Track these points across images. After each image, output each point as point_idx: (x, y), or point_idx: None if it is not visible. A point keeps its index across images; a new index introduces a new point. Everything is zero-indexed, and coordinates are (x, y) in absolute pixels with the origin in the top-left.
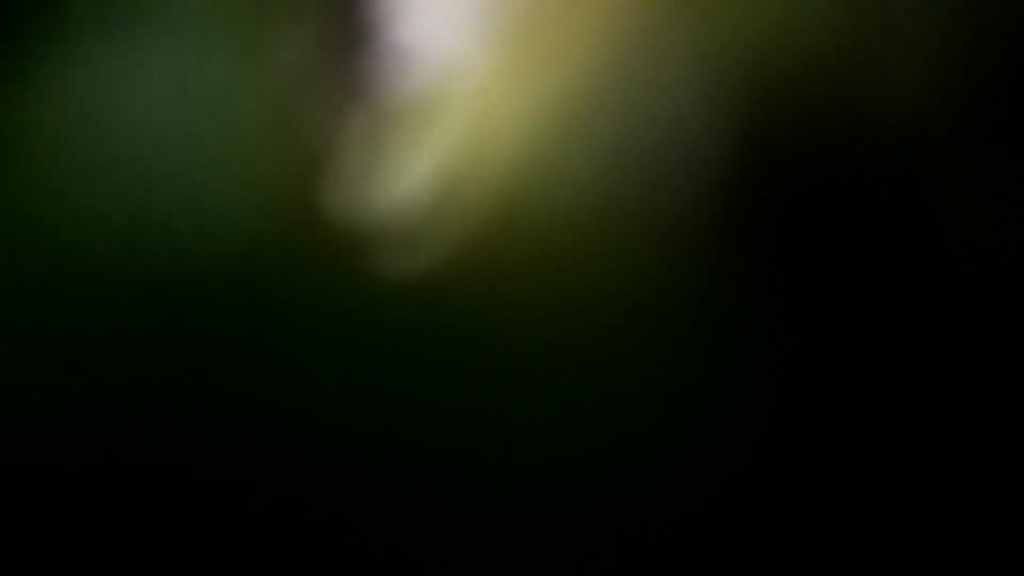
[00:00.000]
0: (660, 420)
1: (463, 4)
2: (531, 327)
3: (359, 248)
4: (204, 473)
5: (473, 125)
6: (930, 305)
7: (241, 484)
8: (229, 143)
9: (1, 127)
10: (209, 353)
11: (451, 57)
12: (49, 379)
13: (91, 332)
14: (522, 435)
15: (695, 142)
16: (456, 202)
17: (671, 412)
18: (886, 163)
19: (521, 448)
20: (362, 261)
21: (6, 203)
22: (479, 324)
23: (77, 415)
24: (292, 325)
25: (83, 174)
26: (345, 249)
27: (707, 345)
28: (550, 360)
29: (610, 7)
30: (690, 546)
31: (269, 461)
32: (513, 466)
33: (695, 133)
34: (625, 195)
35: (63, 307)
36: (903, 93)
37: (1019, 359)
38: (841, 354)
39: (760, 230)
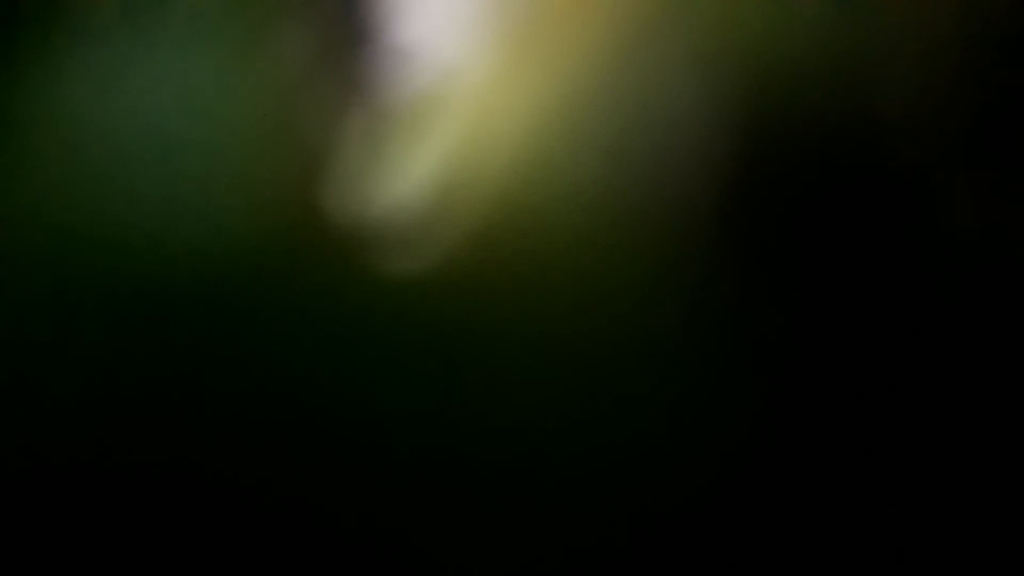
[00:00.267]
0: (660, 419)
1: (463, 4)
2: (531, 326)
3: (359, 248)
4: (204, 471)
5: (473, 125)
6: (930, 304)
7: (241, 482)
8: (229, 143)
9: (2, 128)
10: (208, 351)
11: (451, 57)
12: (50, 379)
13: (91, 332)
14: (522, 434)
15: (695, 142)
16: (456, 202)
17: (671, 411)
18: (886, 163)
19: (521, 446)
20: (362, 261)
21: (8, 203)
22: (479, 323)
23: (78, 415)
24: (292, 324)
25: (83, 174)
26: (345, 249)
27: (707, 344)
28: (550, 359)
29: (610, 7)
30: (690, 545)
31: (268, 460)
32: (513, 464)
33: (695, 133)
34: (625, 195)
35: (63, 307)
36: (903, 93)
37: (1019, 358)
38: (841, 353)
39: (760, 229)
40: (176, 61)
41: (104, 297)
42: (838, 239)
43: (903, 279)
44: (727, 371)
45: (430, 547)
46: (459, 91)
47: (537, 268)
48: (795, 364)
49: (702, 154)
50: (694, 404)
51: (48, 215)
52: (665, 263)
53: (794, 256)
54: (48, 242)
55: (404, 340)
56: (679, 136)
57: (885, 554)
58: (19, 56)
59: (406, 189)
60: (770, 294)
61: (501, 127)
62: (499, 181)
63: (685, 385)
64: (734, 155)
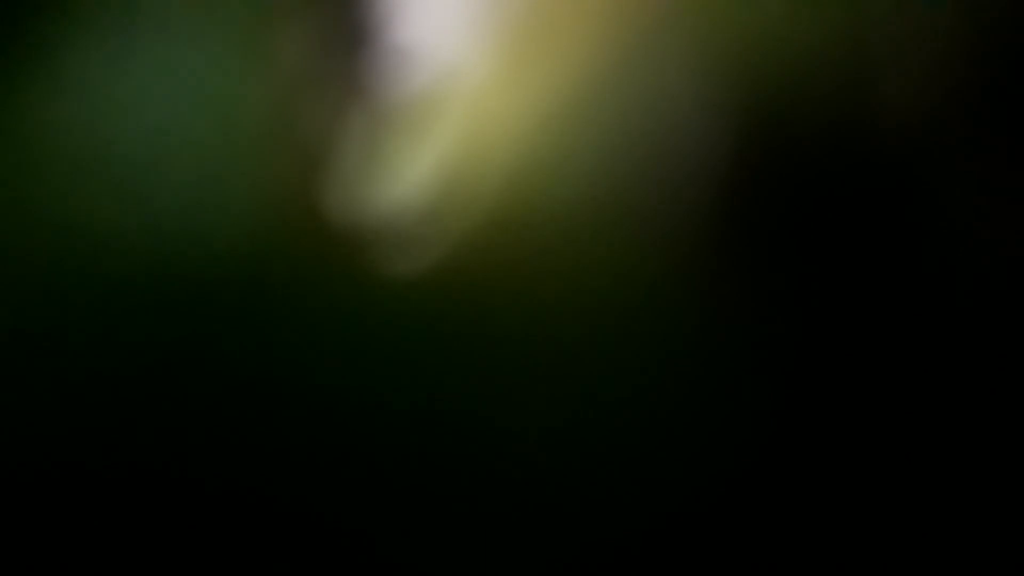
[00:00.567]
0: (661, 420)
1: (463, 4)
2: (531, 327)
3: (359, 248)
4: (201, 471)
5: (473, 125)
6: (930, 304)
7: (239, 482)
8: (229, 143)
9: (1, 128)
10: (207, 351)
11: (451, 57)
12: (49, 380)
13: (91, 333)
14: (522, 435)
15: (695, 142)
16: (455, 202)
17: (671, 412)
18: (886, 163)
19: (521, 447)
20: (362, 261)
21: (7, 204)
22: (479, 324)
23: (77, 416)
24: (291, 325)
25: (82, 174)
26: (345, 249)
27: (707, 344)
28: (550, 360)
29: (610, 7)
30: (692, 548)
31: (268, 460)
32: (513, 466)
33: (695, 133)
34: (625, 195)
35: (63, 307)
36: (903, 93)
37: (1019, 358)
38: (841, 354)
39: (760, 230)
40: (175, 61)
41: (100, 296)
42: (839, 239)
43: (905, 280)
44: (728, 371)
45: (430, 547)
46: (459, 91)
47: (537, 268)
48: (797, 364)
49: (703, 154)
50: (695, 405)
51: (45, 215)
52: (666, 263)
53: (795, 257)
54: (45, 242)
55: (403, 340)
56: (680, 137)
57: (889, 555)
58: (17, 56)
59: (406, 189)
60: (771, 295)
61: (501, 128)
62: (499, 181)
63: (686, 386)
64: (735, 155)
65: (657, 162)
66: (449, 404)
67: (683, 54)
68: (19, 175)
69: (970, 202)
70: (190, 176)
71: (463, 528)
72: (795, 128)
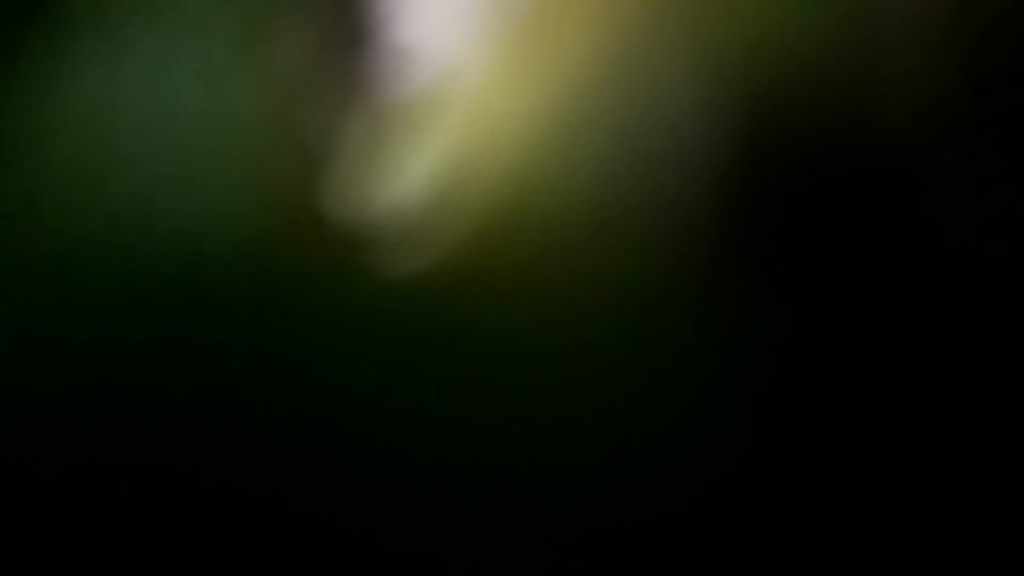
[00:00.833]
0: (660, 419)
1: (463, 4)
2: (531, 327)
3: (359, 248)
4: (202, 472)
5: (473, 125)
6: (930, 304)
7: (239, 483)
8: (229, 143)
9: (1, 129)
10: (208, 352)
11: (451, 57)
12: (49, 381)
13: (91, 333)
14: (523, 434)
15: (695, 142)
16: (456, 202)
17: (671, 411)
18: (886, 163)
19: (521, 447)
20: (362, 261)
21: (7, 205)
22: (479, 324)
23: (77, 416)
24: (291, 325)
25: (82, 175)
26: (345, 249)
27: (707, 344)
28: (550, 359)
29: (610, 8)
30: (693, 548)
31: (268, 460)
32: (513, 465)
33: (695, 133)
34: (625, 195)
35: (62, 308)
36: (903, 93)
37: (1019, 358)
38: (841, 353)
39: (760, 230)
40: (175, 61)
41: (101, 298)
42: (840, 240)
43: (904, 279)
44: (729, 372)
45: (430, 547)
46: (459, 91)
47: (537, 268)
48: (797, 364)
49: (703, 154)
50: (696, 405)
51: (46, 216)
52: (666, 263)
53: (795, 256)
54: (47, 243)
55: (404, 340)
56: (680, 137)
57: (889, 555)
58: (17, 56)
59: (406, 189)
60: (772, 295)
61: (501, 127)
62: (499, 181)
63: (686, 386)
64: (735, 155)
65: (657, 162)
66: (450, 403)
67: (683, 55)
68: (19, 177)
69: (970, 202)
70: (190, 176)
71: (465, 526)
72: (795, 128)
